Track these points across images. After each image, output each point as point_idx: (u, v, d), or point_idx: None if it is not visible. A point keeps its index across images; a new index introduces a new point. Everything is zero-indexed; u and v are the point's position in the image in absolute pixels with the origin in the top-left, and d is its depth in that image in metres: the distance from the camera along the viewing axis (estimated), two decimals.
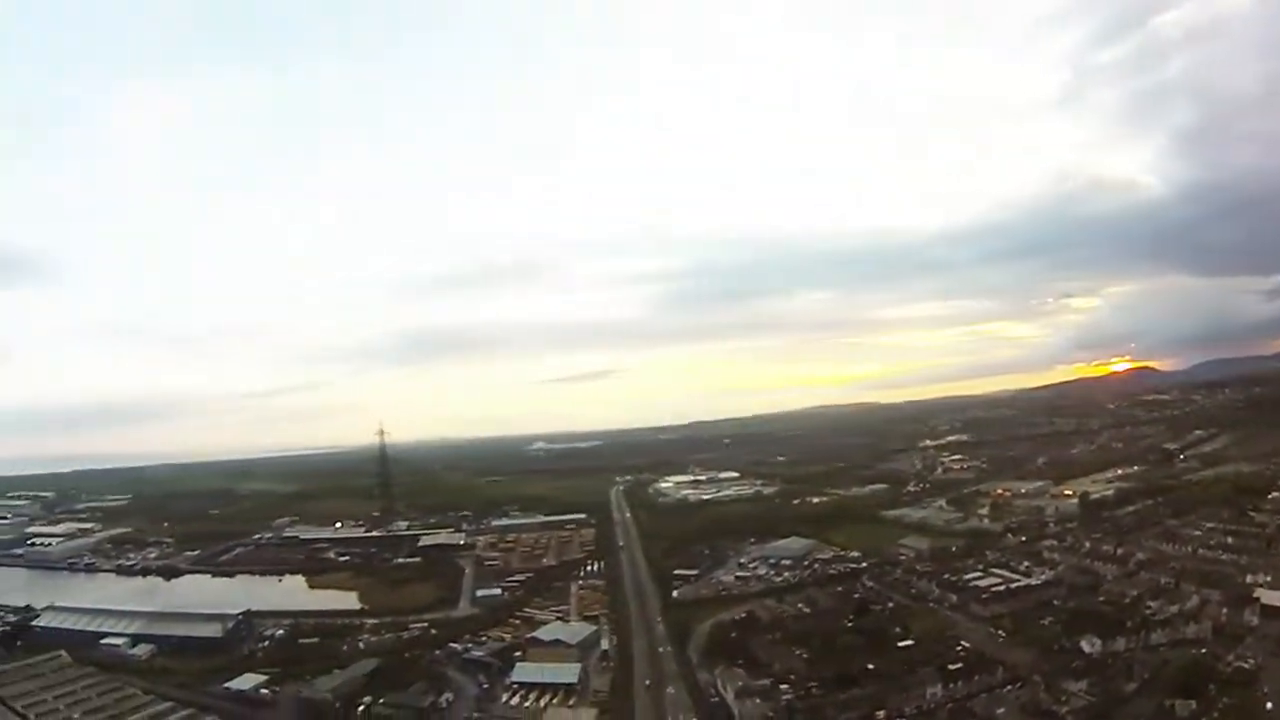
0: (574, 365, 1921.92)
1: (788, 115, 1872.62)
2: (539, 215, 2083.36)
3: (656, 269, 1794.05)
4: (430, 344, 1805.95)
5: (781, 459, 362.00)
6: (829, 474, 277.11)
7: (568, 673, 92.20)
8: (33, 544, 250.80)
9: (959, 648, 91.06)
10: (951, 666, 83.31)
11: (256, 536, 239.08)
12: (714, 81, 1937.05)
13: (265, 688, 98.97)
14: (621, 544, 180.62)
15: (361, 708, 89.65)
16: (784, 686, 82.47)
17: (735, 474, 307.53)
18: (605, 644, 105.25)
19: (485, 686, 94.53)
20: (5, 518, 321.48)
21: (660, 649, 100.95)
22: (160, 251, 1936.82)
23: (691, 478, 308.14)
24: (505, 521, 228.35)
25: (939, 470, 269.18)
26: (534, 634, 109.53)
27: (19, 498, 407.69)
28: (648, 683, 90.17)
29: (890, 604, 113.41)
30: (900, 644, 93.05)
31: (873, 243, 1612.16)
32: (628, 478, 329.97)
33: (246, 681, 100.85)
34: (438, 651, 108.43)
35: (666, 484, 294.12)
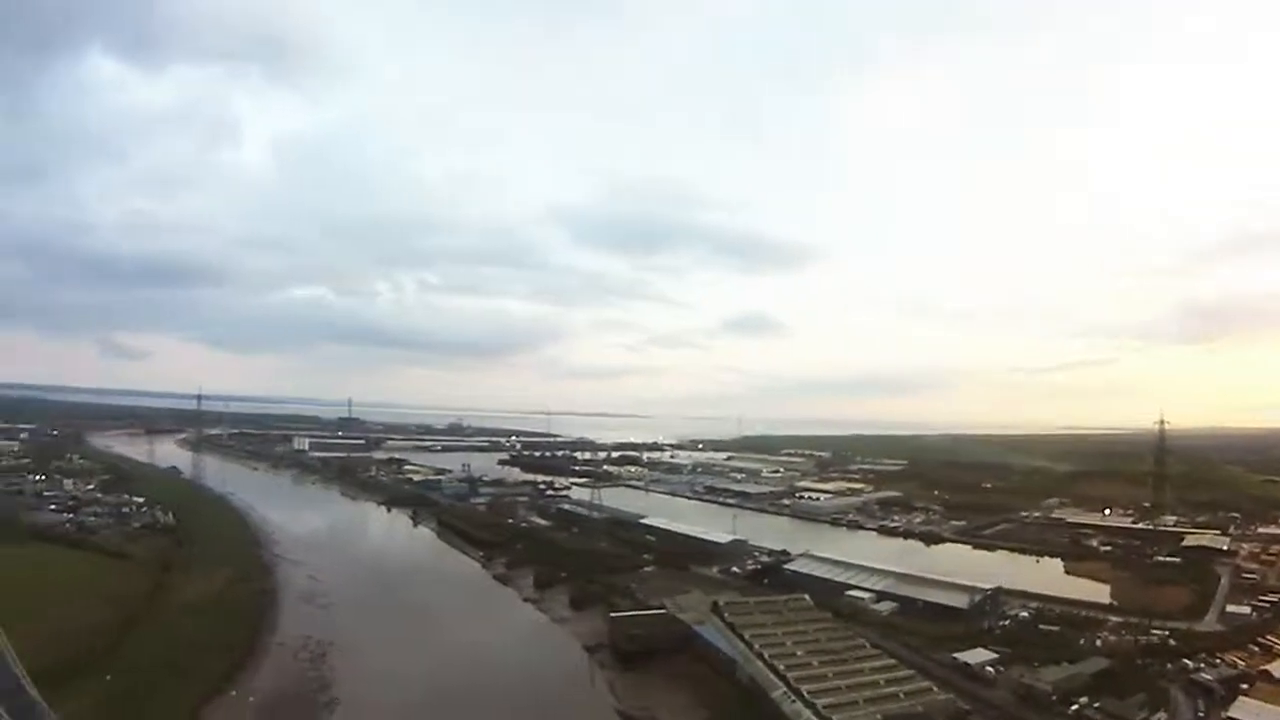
0: None
1: None
2: None
3: None
4: (1216, 318, 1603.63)
5: None
6: None
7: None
8: (800, 497, 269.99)
9: None
10: None
11: (1023, 514, 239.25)
12: None
13: (991, 665, 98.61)
14: None
15: (1075, 707, 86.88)
16: None
17: None
18: None
19: (1201, 715, 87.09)
20: (778, 472, 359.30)
21: None
22: (934, 234, 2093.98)
23: None
24: (1274, 529, 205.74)
25: None
26: (1267, 666, 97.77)
27: (794, 454, 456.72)
28: None
29: None
30: None
31: None
32: None
33: (976, 656, 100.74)
34: (1169, 665, 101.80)
35: None
